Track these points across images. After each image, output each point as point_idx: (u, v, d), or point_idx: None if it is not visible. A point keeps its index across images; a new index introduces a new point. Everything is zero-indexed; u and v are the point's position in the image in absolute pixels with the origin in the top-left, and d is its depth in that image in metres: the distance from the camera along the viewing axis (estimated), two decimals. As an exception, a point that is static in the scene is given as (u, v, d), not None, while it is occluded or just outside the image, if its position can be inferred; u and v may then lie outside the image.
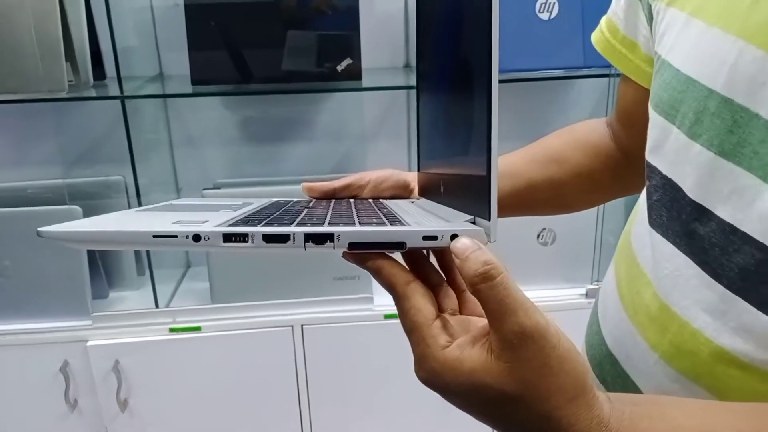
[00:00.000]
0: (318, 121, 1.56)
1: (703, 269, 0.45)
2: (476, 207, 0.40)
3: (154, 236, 0.35)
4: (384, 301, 1.38)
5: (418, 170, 0.64)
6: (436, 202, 0.54)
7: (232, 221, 0.40)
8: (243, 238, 0.36)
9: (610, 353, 0.57)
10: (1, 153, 1.51)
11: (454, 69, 0.47)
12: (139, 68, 1.44)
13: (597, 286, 1.39)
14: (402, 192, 0.66)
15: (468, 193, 0.43)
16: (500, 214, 0.40)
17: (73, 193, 1.42)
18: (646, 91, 0.55)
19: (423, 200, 0.61)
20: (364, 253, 0.39)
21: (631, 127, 0.65)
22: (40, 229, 0.36)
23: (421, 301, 0.38)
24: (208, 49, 1.33)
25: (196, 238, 0.35)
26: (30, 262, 1.34)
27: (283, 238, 0.36)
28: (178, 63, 1.40)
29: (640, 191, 0.75)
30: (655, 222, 0.51)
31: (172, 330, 1.35)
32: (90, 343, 1.34)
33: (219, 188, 1.44)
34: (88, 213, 1.35)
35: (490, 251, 0.37)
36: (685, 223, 0.47)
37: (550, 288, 1.43)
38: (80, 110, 1.48)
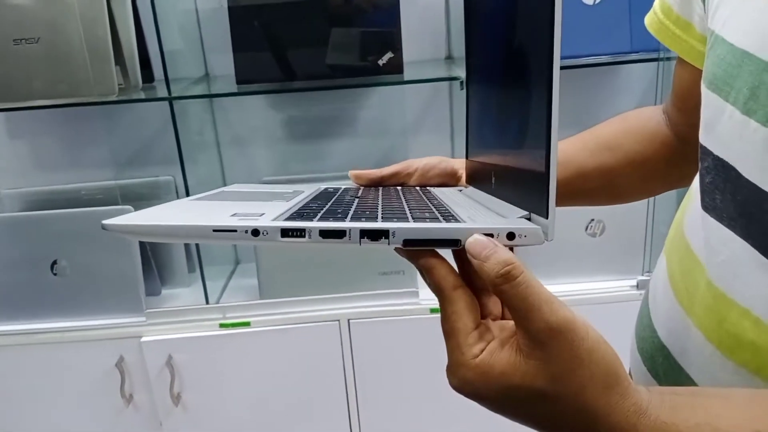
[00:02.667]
0: (361, 116, 1.57)
1: (763, 253, 0.43)
2: (532, 202, 0.40)
3: (214, 230, 0.36)
4: (429, 296, 1.37)
5: (467, 157, 0.63)
6: (487, 192, 0.53)
7: (288, 214, 0.41)
8: (300, 233, 0.36)
9: (662, 345, 0.55)
10: (55, 156, 1.56)
11: (510, 58, 0.46)
12: (185, 70, 1.47)
13: (648, 278, 1.35)
14: (449, 180, 0.65)
15: (523, 186, 0.42)
16: None
17: (125, 194, 1.46)
18: (699, 75, 0.53)
19: (471, 189, 0.60)
20: (418, 251, 0.38)
21: (688, 111, 0.63)
22: (104, 222, 0.37)
23: (464, 308, 0.38)
24: (251, 49, 1.35)
25: (255, 233, 0.36)
26: (85, 262, 1.39)
27: (339, 234, 0.37)
28: (224, 64, 1.43)
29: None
30: (708, 205, 0.49)
31: (222, 326, 1.38)
32: (144, 338, 1.37)
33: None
34: (139, 212, 1.38)
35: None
36: (741, 204, 0.44)
37: (600, 280, 1.39)
38: (130, 112, 1.52)
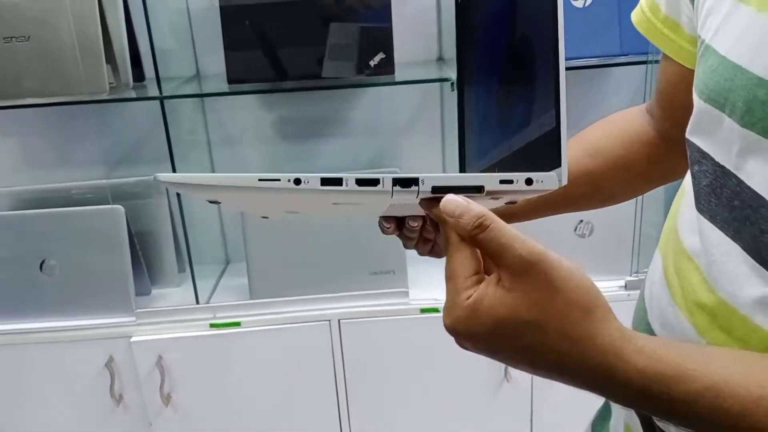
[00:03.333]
0: (352, 117, 1.57)
1: (752, 256, 0.44)
2: (543, 160, 0.43)
3: (260, 179, 0.39)
4: (420, 296, 1.38)
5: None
6: None
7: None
8: (338, 182, 0.40)
9: None
10: (45, 155, 1.55)
11: (510, 53, 0.49)
12: (176, 69, 1.47)
13: (636, 278, 1.36)
14: None
15: (533, 155, 0.46)
16: (540, 214, 0.44)
17: (116, 193, 1.45)
18: (689, 71, 0.54)
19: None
20: (438, 198, 0.41)
21: (672, 109, 0.64)
22: (157, 175, 0.40)
23: (467, 256, 0.41)
24: (243, 48, 1.35)
25: (297, 181, 0.39)
26: (75, 261, 1.38)
27: (374, 182, 0.40)
28: (215, 63, 1.43)
29: (682, 176, 0.74)
30: (703, 208, 0.50)
31: (212, 326, 1.38)
32: (134, 338, 1.37)
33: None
34: (131, 213, 1.38)
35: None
36: (738, 209, 0.45)
37: (589, 280, 1.40)
38: (121, 111, 1.52)
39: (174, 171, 1.33)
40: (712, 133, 0.48)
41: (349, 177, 0.40)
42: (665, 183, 0.74)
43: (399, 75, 1.36)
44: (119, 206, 1.36)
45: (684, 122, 0.52)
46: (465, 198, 0.40)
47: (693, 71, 0.52)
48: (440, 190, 0.41)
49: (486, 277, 0.41)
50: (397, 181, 0.40)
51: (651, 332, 0.57)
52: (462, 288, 0.40)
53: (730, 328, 0.47)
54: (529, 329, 0.39)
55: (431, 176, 0.41)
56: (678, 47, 0.58)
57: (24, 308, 1.39)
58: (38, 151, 1.55)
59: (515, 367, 0.42)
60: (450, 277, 0.41)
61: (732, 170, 0.46)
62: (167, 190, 1.49)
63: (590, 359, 0.39)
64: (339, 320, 1.37)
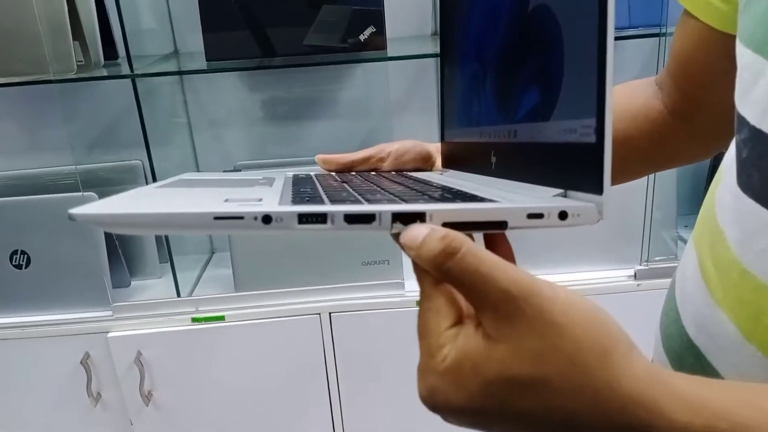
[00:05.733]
0: (342, 96, 1.48)
1: None
2: (570, 177, 0.34)
3: (216, 218, 0.30)
4: (416, 287, 1.29)
5: (442, 139, 0.59)
6: (483, 174, 0.47)
7: (290, 199, 0.36)
8: (321, 218, 0.31)
9: (692, 344, 0.48)
10: (13, 140, 1.46)
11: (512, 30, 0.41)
12: (152, 47, 1.37)
13: (647, 267, 1.27)
14: (424, 164, 0.61)
15: (553, 161, 0.37)
16: None
17: (89, 179, 1.37)
18: (712, 34, 0.49)
19: (453, 172, 0.55)
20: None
21: (685, 78, 0.57)
22: (72, 211, 0.30)
23: (442, 305, 0.32)
24: (222, 24, 1.25)
25: (267, 219, 0.31)
26: (47, 252, 1.30)
27: (368, 218, 0.32)
28: (195, 41, 1.33)
29: (691, 162, 0.65)
30: (745, 184, 0.41)
31: (194, 320, 1.30)
32: (111, 334, 1.29)
33: (239, 170, 1.37)
34: (105, 199, 1.29)
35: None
36: None
37: (595, 270, 1.32)
38: (94, 92, 1.42)
39: (149, 154, 1.24)
40: (751, 91, 0.40)
41: (336, 212, 0.31)
42: (671, 167, 0.67)
43: (391, 51, 1.27)
44: (92, 193, 1.27)
45: (696, 96, 0.46)
46: (426, 224, 0.32)
47: (715, 34, 0.49)
48: (455, 227, 0.32)
49: (465, 325, 0.32)
50: (397, 217, 0.32)
51: (685, 336, 0.49)
52: (436, 347, 0.31)
53: None
54: (531, 390, 0.30)
55: (441, 209, 0.32)
56: (705, 4, 0.51)
57: (-8, 303, 1.31)
58: (6, 135, 1.46)
59: None
60: (422, 334, 0.32)
61: None
62: (145, 175, 1.40)
63: (613, 416, 0.29)
64: (330, 313, 1.29)
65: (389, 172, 0.59)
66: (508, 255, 0.37)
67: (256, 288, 1.31)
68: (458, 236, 0.31)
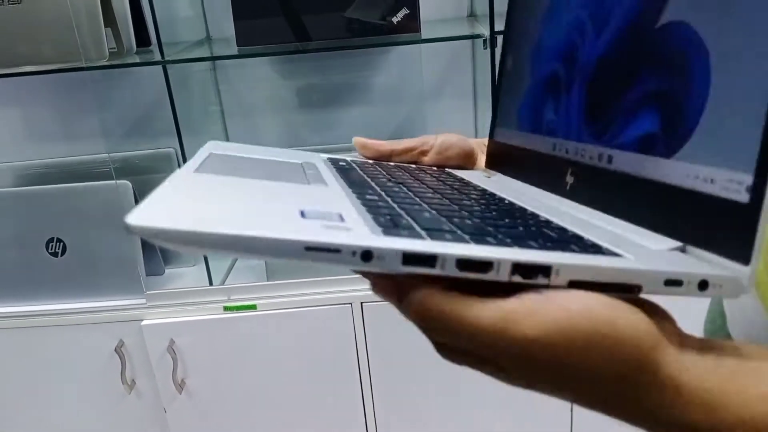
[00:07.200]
0: (375, 82, 1.45)
1: None
2: (697, 232, 0.29)
3: (308, 248, 0.25)
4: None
5: (491, 137, 0.54)
6: (548, 191, 0.42)
7: (372, 216, 0.31)
8: (430, 261, 0.26)
9: None
10: (48, 127, 1.47)
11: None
12: (185, 34, 1.36)
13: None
14: (467, 162, 0.56)
15: (666, 207, 0.32)
16: None
17: (123, 167, 1.37)
18: None
19: (505, 179, 0.50)
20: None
21: None
22: (129, 221, 0.24)
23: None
24: (254, 9, 1.23)
25: (367, 256, 0.26)
26: (82, 240, 1.30)
27: (484, 267, 0.26)
28: (228, 27, 1.31)
29: None
30: None
31: (226, 308, 1.29)
32: (145, 322, 1.29)
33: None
34: (138, 187, 1.29)
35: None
36: None
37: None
38: (127, 79, 1.42)
39: (180, 142, 1.24)
40: None
41: (448, 256, 0.26)
42: None
43: (425, 33, 1.23)
44: (126, 181, 1.27)
45: None
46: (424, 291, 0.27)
47: None
48: (579, 286, 0.27)
49: None
50: (518, 268, 0.27)
51: None
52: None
53: None
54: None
55: (570, 264, 0.27)
56: None
57: (28, 290, 1.32)
58: (40, 123, 1.47)
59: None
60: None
61: None
62: (178, 163, 1.40)
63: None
64: (362, 303, 1.26)
65: (431, 167, 0.55)
66: None
67: (288, 277, 1.29)
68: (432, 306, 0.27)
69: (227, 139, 1.50)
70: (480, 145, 0.57)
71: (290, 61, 1.44)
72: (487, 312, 0.26)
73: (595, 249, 0.30)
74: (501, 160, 0.52)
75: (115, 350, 1.30)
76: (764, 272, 0.41)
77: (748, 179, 0.27)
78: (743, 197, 0.27)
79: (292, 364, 1.32)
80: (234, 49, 1.25)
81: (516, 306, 0.26)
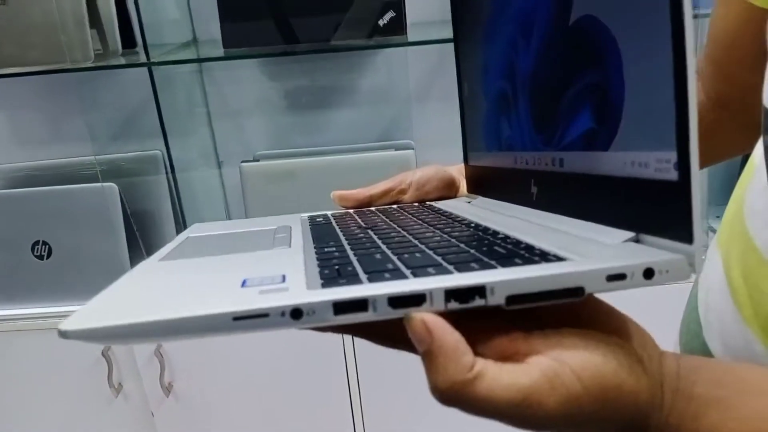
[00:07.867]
0: (361, 85, 1.45)
1: None
2: (644, 220, 0.30)
3: (236, 318, 0.26)
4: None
5: (466, 162, 0.55)
6: (520, 204, 0.43)
7: (317, 272, 0.31)
8: (360, 305, 0.26)
9: None
10: (34, 130, 1.46)
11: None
12: (172, 35, 1.36)
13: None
14: (448, 191, 0.56)
15: (614, 199, 0.32)
16: None
17: (110, 169, 1.36)
18: (756, 12, 0.45)
19: (482, 200, 0.50)
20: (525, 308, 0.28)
21: (730, 63, 0.52)
22: (63, 327, 0.25)
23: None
24: (240, 11, 1.23)
25: (296, 314, 0.26)
26: (68, 243, 1.30)
27: (417, 300, 0.27)
28: (215, 29, 1.31)
29: (735, 155, 0.60)
30: None
31: (213, 311, 1.28)
32: (131, 325, 1.28)
33: (258, 161, 1.35)
34: (125, 189, 1.29)
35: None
36: None
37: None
38: (113, 82, 1.41)
39: (167, 144, 1.23)
40: None
41: (378, 296, 0.26)
42: (711, 164, 0.62)
43: (412, 35, 1.24)
44: (112, 184, 1.27)
45: (743, 81, 0.43)
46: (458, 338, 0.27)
47: (759, 12, 0.45)
48: (517, 300, 0.27)
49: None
50: (451, 294, 0.27)
51: (708, 353, 0.45)
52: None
53: None
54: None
55: (504, 280, 0.27)
56: None
57: (14, 292, 1.31)
58: (27, 126, 1.46)
59: None
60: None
61: None
62: (165, 163, 1.39)
63: None
64: (349, 304, 1.26)
65: (412, 204, 0.55)
66: None
67: (275, 278, 1.29)
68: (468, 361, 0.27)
69: (214, 142, 1.50)
70: (461, 172, 0.57)
71: (277, 63, 1.44)
72: (505, 394, 0.26)
73: (540, 258, 0.29)
74: (479, 182, 0.53)
75: (102, 354, 1.30)
76: (740, 279, 0.41)
77: (673, 156, 0.27)
78: (673, 175, 0.27)
79: (281, 366, 1.32)
80: (220, 51, 1.25)
81: (532, 383, 0.26)
